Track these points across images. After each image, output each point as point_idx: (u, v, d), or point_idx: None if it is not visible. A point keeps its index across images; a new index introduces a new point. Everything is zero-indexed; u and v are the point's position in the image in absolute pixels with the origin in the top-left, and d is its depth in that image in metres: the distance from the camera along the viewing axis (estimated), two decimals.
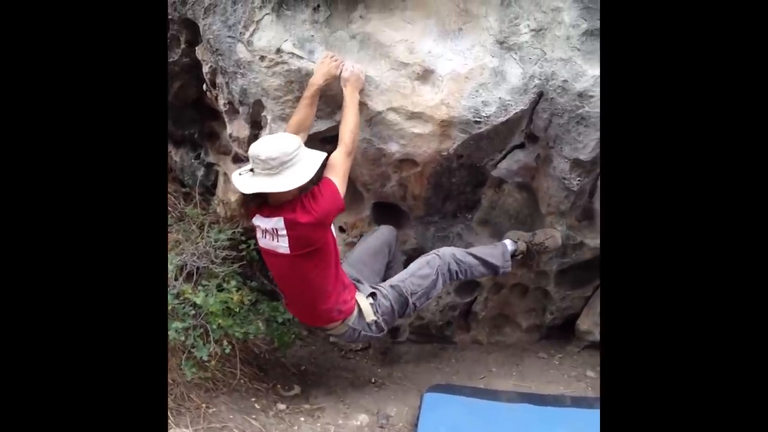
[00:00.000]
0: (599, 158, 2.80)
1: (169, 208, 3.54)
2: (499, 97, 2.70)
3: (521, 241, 3.04)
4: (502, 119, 2.72)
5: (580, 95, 2.65)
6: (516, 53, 2.69)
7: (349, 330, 2.79)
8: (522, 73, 2.69)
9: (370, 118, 2.78)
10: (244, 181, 2.52)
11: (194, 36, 3.16)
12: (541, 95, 2.71)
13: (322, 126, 2.86)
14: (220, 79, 3.06)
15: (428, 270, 2.85)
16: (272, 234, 2.59)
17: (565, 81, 2.65)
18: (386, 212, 3.19)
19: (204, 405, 2.74)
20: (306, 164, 2.51)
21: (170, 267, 2.85)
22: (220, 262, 3.05)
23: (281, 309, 3.13)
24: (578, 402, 2.95)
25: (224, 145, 3.62)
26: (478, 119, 2.72)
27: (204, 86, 3.30)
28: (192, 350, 2.71)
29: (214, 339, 2.76)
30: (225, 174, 3.64)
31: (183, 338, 2.69)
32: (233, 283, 2.96)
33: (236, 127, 3.17)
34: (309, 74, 2.70)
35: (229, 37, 2.82)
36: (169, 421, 2.51)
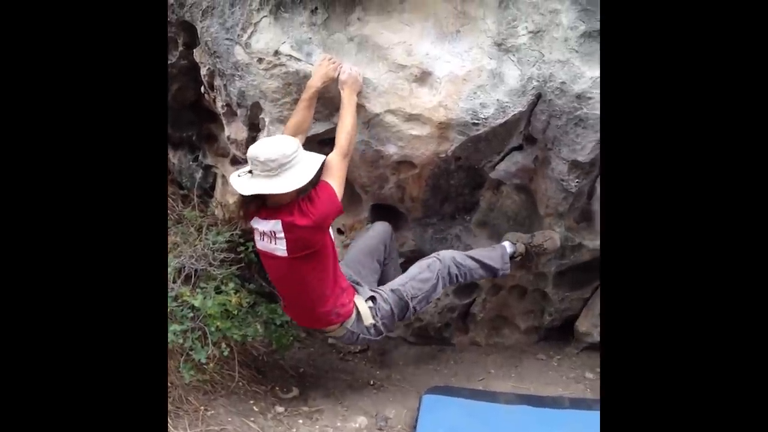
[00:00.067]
0: (598, 160, 2.80)
1: None
2: (497, 99, 2.70)
3: (520, 243, 3.04)
4: (500, 121, 2.73)
5: (578, 97, 2.66)
6: (514, 55, 2.69)
7: (348, 333, 2.79)
8: (520, 75, 2.69)
9: (368, 120, 2.78)
10: (243, 183, 2.53)
11: (192, 38, 3.16)
12: (539, 97, 2.71)
13: (320, 128, 2.86)
14: (218, 82, 3.06)
15: (429, 274, 2.85)
16: (270, 236, 2.59)
17: (563, 83, 2.65)
18: (384, 214, 3.18)
19: (202, 407, 2.73)
20: (304, 166, 2.51)
21: (168, 269, 2.85)
22: (218, 264, 3.04)
23: (279, 311, 3.13)
24: (577, 404, 2.96)
25: (222, 147, 3.62)
26: (476, 121, 2.72)
27: (202, 88, 3.30)
28: (190, 353, 2.70)
29: (212, 341, 2.75)
30: (223, 176, 3.64)
31: (181, 341, 2.69)
32: (231, 285, 2.96)
33: (234, 130, 3.17)
34: (307, 76, 2.70)
35: (226, 39, 2.82)
36: (168, 423, 2.50)
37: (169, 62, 3.32)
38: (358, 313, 2.75)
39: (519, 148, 2.93)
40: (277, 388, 3.11)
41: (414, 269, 2.89)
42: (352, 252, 3.00)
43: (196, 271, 2.99)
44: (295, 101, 2.76)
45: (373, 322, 2.76)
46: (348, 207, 3.17)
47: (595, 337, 3.38)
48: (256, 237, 2.70)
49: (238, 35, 2.78)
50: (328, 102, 2.78)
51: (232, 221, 3.39)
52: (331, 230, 2.69)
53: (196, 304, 2.75)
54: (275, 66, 2.76)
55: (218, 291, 2.93)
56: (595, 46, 2.63)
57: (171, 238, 3.22)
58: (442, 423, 2.80)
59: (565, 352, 3.51)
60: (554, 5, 2.62)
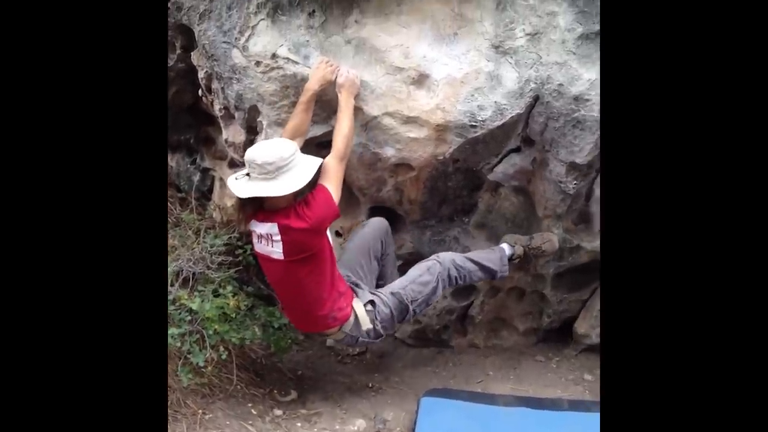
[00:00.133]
0: (595, 161, 2.81)
1: None
2: (495, 101, 2.70)
3: (518, 245, 3.04)
4: (498, 123, 2.73)
5: (576, 99, 2.66)
6: (511, 57, 2.69)
7: (347, 336, 2.79)
8: (517, 77, 2.69)
9: (365, 123, 2.78)
10: (240, 186, 2.53)
11: (189, 41, 3.16)
12: (536, 99, 2.71)
13: (317, 131, 2.86)
14: (215, 85, 3.06)
15: (429, 277, 2.84)
16: (267, 239, 2.59)
17: (561, 85, 2.65)
18: (382, 216, 3.18)
19: (200, 411, 2.73)
20: (302, 169, 2.51)
21: None
22: (216, 267, 3.04)
23: (277, 314, 3.13)
24: (576, 405, 2.96)
25: (220, 150, 3.62)
26: (474, 123, 2.72)
27: (199, 91, 3.30)
28: (188, 356, 2.70)
29: (210, 345, 2.75)
30: (221, 179, 3.64)
31: (179, 344, 2.68)
32: (229, 288, 2.95)
33: (232, 133, 3.17)
34: (304, 79, 2.70)
35: (224, 42, 2.82)
36: (167, 427, 2.50)
37: None
38: (356, 317, 2.74)
39: (517, 150, 2.93)
40: (275, 391, 3.11)
41: (414, 272, 2.89)
42: (349, 252, 2.98)
43: (194, 274, 2.98)
44: (293, 104, 2.76)
45: (370, 326, 2.76)
46: (346, 209, 3.17)
47: (594, 338, 3.38)
48: (254, 240, 2.70)
49: (236, 38, 2.78)
50: (325, 105, 2.78)
51: (230, 224, 3.38)
52: (329, 233, 2.69)
53: (194, 307, 2.74)
54: (273, 69, 2.76)
55: (216, 294, 2.92)
56: (593, 48, 2.63)
57: (169, 242, 3.21)
58: (441, 425, 2.80)
59: (563, 353, 3.51)
60: (551, 7, 2.63)
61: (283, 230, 2.53)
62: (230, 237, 3.21)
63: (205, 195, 3.82)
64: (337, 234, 3.28)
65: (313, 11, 2.73)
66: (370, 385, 3.28)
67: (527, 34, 2.66)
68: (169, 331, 2.63)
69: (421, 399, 2.99)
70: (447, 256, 2.93)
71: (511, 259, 3.03)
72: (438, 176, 2.94)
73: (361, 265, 2.94)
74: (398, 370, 3.43)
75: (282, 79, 2.77)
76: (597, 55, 2.64)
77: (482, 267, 2.95)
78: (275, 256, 2.60)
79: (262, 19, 2.75)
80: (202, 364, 2.71)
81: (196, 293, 2.87)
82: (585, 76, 2.64)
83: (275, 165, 2.45)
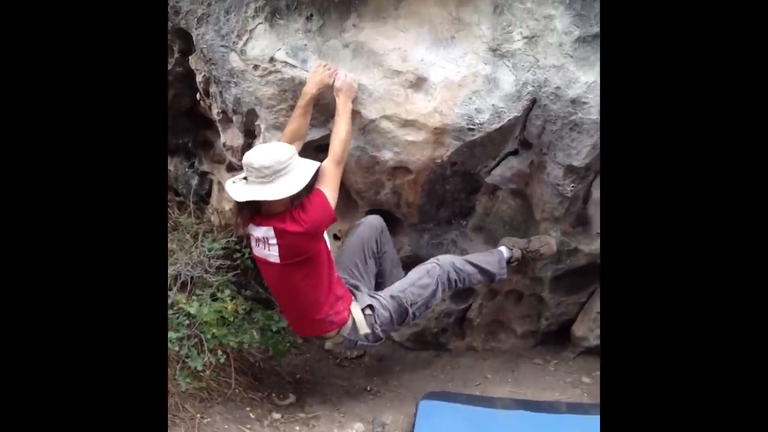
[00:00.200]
0: (593, 164, 2.81)
1: None
2: (493, 105, 2.70)
3: (516, 248, 3.05)
4: (496, 126, 2.73)
5: (573, 102, 2.67)
6: (509, 60, 2.69)
7: (346, 339, 2.79)
8: (515, 80, 2.69)
9: (363, 126, 2.78)
10: (238, 189, 2.54)
11: (187, 45, 3.16)
12: (534, 102, 2.72)
13: (315, 134, 2.86)
14: (213, 89, 3.06)
15: (428, 280, 2.84)
16: (264, 243, 2.60)
17: (558, 88, 2.66)
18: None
19: (199, 415, 2.72)
20: (299, 173, 2.51)
21: None
22: (214, 271, 3.04)
23: (276, 318, 3.13)
24: (574, 408, 2.96)
25: (218, 154, 3.62)
26: (472, 126, 2.72)
27: (197, 95, 3.30)
28: (186, 360, 2.70)
29: (208, 349, 2.75)
30: (219, 183, 3.64)
31: (177, 348, 2.68)
32: (227, 292, 2.95)
33: (230, 136, 3.17)
34: (302, 83, 2.71)
35: (222, 46, 2.82)
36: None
37: None
38: (354, 321, 2.74)
39: (514, 153, 2.94)
40: (273, 395, 3.10)
41: (413, 274, 2.89)
42: (346, 253, 2.97)
43: (192, 278, 2.98)
44: (291, 108, 2.77)
45: (368, 331, 2.76)
46: (344, 213, 3.17)
47: (592, 341, 3.38)
48: (252, 243, 2.71)
49: (234, 42, 2.79)
50: (323, 108, 2.78)
51: (228, 228, 3.38)
52: (327, 237, 2.69)
53: (192, 311, 2.74)
54: (271, 73, 2.76)
55: (214, 298, 2.92)
56: (590, 51, 2.64)
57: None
58: (439, 428, 2.80)
59: (561, 356, 3.51)
60: (549, 11, 2.63)
61: (278, 234, 2.54)
62: (228, 241, 3.20)
63: (204, 199, 3.82)
64: (335, 237, 3.28)
65: (311, 15, 2.74)
66: (369, 388, 3.28)
67: (524, 38, 2.66)
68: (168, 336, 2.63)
69: (419, 402, 2.99)
70: (446, 259, 2.93)
71: (509, 262, 3.03)
72: (436, 179, 2.94)
73: (357, 265, 2.93)
74: (396, 374, 3.43)
75: (280, 82, 2.77)
76: (594, 58, 2.64)
77: (481, 270, 2.95)
78: (272, 260, 2.60)
79: (260, 23, 2.76)
80: (200, 368, 2.70)
81: (194, 297, 2.87)
82: (582, 79, 2.64)
83: (272, 169, 2.46)
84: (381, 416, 3.01)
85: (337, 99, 2.66)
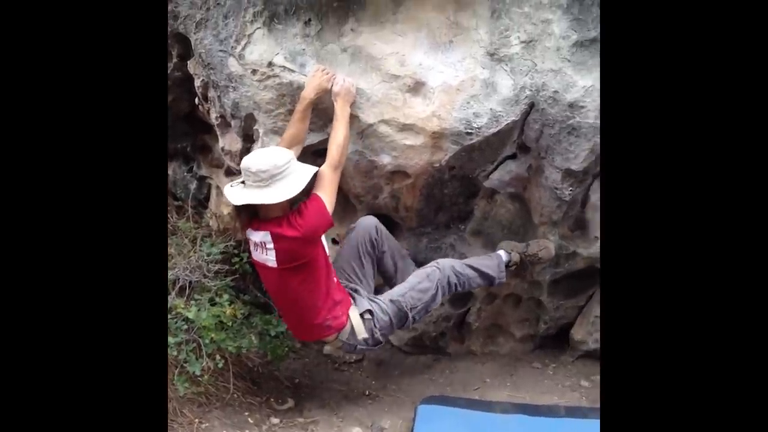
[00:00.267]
0: (591, 168, 2.81)
1: None
2: (491, 109, 2.71)
3: (514, 252, 3.04)
4: (494, 130, 2.73)
5: (571, 106, 2.67)
6: (507, 65, 2.70)
7: (345, 344, 2.79)
8: (513, 85, 2.70)
9: (361, 131, 2.78)
10: (235, 193, 2.55)
11: (186, 50, 3.16)
12: (532, 106, 2.72)
13: (314, 139, 2.86)
14: (212, 93, 3.06)
15: (428, 284, 2.84)
16: (262, 247, 2.60)
17: (556, 92, 2.66)
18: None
19: (197, 420, 2.72)
20: (296, 177, 2.52)
21: None
22: (213, 275, 3.03)
23: (274, 322, 3.12)
24: (572, 412, 2.95)
25: (216, 158, 3.62)
26: (470, 130, 2.73)
27: (196, 100, 3.30)
28: (185, 365, 2.69)
29: (206, 353, 2.74)
30: (217, 187, 3.63)
31: (175, 353, 2.67)
32: (226, 296, 2.94)
33: (228, 141, 3.17)
34: (300, 87, 2.71)
35: (220, 51, 2.83)
36: None
37: None
38: (352, 325, 2.74)
39: (512, 157, 2.94)
40: (272, 400, 3.10)
41: (413, 278, 2.88)
42: (343, 257, 2.97)
43: (190, 282, 2.97)
44: (289, 112, 2.77)
45: (366, 335, 2.75)
46: (342, 217, 3.17)
47: (591, 345, 3.38)
48: (251, 247, 2.71)
49: (232, 47, 2.79)
50: (321, 113, 2.78)
51: (227, 232, 3.38)
52: (325, 241, 2.69)
53: (191, 316, 2.73)
54: (269, 77, 2.76)
55: (212, 303, 2.91)
56: (587, 56, 2.65)
57: None
58: None
59: (560, 360, 3.51)
60: (546, 15, 2.64)
61: (275, 238, 2.54)
62: (227, 245, 3.20)
63: (202, 203, 3.81)
64: (334, 242, 3.28)
65: (309, 20, 2.74)
66: (367, 392, 3.28)
67: (522, 42, 2.67)
68: None
69: (418, 406, 2.98)
70: (446, 263, 2.92)
71: (507, 265, 3.03)
72: (434, 183, 2.95)
73: (355, 269, 2.93)
74: (395, 378, 3.43)
75: (278, 87, 2.77)
76: (592, 62, 2.65)
77: (481, 273, 2.95)
78: (270, 264, 2.61)
79: (258, 28, 2.76)
80: (198, 373, 2.70)
81: (192, 302, 2.86)
82: (580, 83, 2.65)
83: (269, 173, 2.46)
84: (380, 421, 3.00)
85: (335, 103, 2.66)
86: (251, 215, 2.64)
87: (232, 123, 3.01)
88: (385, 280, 3.08)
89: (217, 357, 2.81)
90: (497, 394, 3.22)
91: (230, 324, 2.89)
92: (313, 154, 2.89)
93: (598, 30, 2.60)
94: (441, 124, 2.72)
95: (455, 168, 2.89)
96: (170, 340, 2.65)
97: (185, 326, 2.75)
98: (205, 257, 3.09)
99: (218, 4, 2.81)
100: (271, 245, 2.56)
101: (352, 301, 2.78)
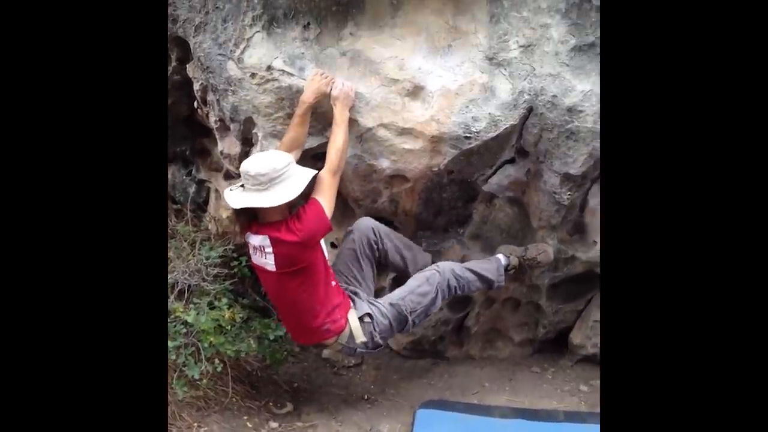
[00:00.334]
0: (589, 172, 2.82)
1: None
2: (489, 113, 2.71)
3: (513, 256, 3.05)
4: (492, 134, 2.74)
5: (570, 110, 2.67)
6: (505, 69, 2.70)
7: (345, 347, 2.79)
8: (511, 89, 2.70)
9: (360, 135, 2.78)
10: (234, 196, 2.55)
11: (185, 54, 3.17)
12: (530, 110, 2.72)
13: (313, 142, 2.86)
14: (211, 97, 3.06)
15: (428, 287, 2.84)
16: (260, 251, 2.60)
17: (555, 96, 2.67)
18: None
19: (196, 424, 2.72)
20: (295, 181, 2.52)
21: None
22: (212, 279, 3.03)
23: (273, 326, 3.12)
24: (571, 417, 2.95)
25: (215, 161, 3.62)
26: (469, 135, 2.73)
27: (195, 103, 3.31)
28: (183, 369, 2.69)
29: (205, 357, 2.74)
30: (216, 191, 3.64)
31: (174, 357, 2.68)
32: (225, 300, 2.95)
33: (227, 144, 3.17)
34: (299, 91, 2.71)
35: (219, 54, 2.83)
36: None
37: None
38: (351, 329, 2.74)
39: (511, 161, 2.94)
40: (270, 404, 3.09)
41: (413, 282, 2.88)
42: (341, 260, 2.96)
43: (189, 286, 2.98)
44: (288, 116, 2.77)
45: (364, 340, 2.75)
46: (341, 221, 3.17)
47: (590, 349, 3.38)
48: (250, 251, 2.71)
49: (231, 50, 2.79)
50: (320, 117, 2.79)
51: (226, 236, 3.38)
52: (324, 245, 2.69)
53: (189, 319, 2.74)
54: (268, 81, 2.77)
55: (211, 306, 2.91)
56: (586, 60, 2.65)
57: None
58: None
59: (559, 364, 3.51)
60: (545, 20, 2.65)
61: (274, 243, 2.54)
62: (225, 249, 3.21)
63: (201, 207, 3.82)
64: (333, 245, 3.28)
65: (308, 24, 2.75)
66: (366, 397, 3.27)
67: (521, 46, 2.67)
68: None
69: (416, 411, 2.98)
70: (446, 266, 2.92)
71: (506, 269, 3.03)
72: (433, 187, 2.95)
73: (354, 272, 2.93)
74: (394, 382, 3.42)
75: (277, 91, 2.78)
76: (590, 66, 2.65)
77: (480, 277, 2.95)
78: (269, 268, 2.61)
79: (258, 32, 2.76)
80: (197, 376, 2.70)
81: (191, 305, 2.86)
82: (578, 88, 2.65)
83: (268, 176, 2.47)
84: (378, 425, 2.99)
85: (334, 107, 2.66)
86: (250, 219, 2.65)
87: (231, 126, 3.01)
88: (398, 274, 3.08)
89: (216, 361, 2.81)
90: (496, 398, 3.22)
91: (229, 328, 2.89)
92: (313, 158, 2.90)
93: (597, 34, 2.61)
94: (440, 129, 2.72)
95: (454, 172, 2.89)
96: (169, 343, 2.65)
97: (184, 330, 2.76)
98: (204, 261, 3.09)
99: (217, 7, 2.82)
100: (269, 249, 2.56)
101: (351, 305, 2.78)
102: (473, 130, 2.72)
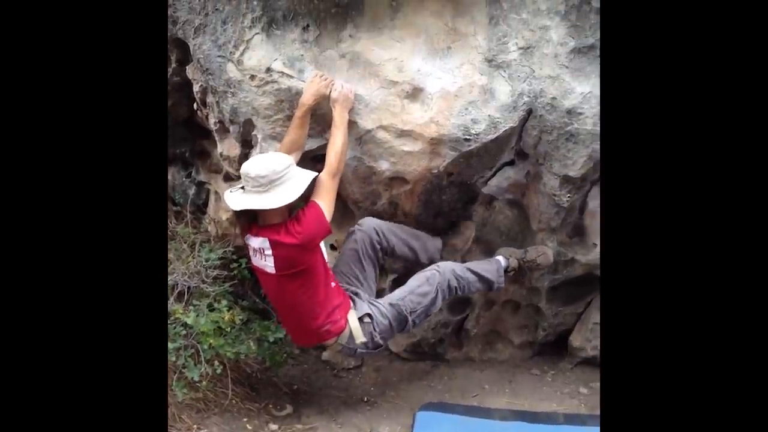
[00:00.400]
0: (589, 174, 2.82)
1: None
2: (489, 115, 2.71)
3: (513, 258, 3.04)
4: (492, 137, 2.74)
5: (569, 112, 2.67)
6: (505, 71, 2.71)
7: (345, 347, 2.79)
8: (511, 91, 2.70)
9: (360, 137, 2.78)
10: (234, 198, 2.56)
11: (185, 55, 3.17)
12: (530, 112, 2.73)
13: (312, 144, 2.86)
14: (210, 99, 3.06)
15: (428, 287, 2.84)
16: (260, 253, 2.61)
17: (554, 98, 2.67)
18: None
19: (195, 426, 2.71)
20: (295, 183, 2.52)
21: None
22: (211, 281, 3.03)
23: (273, 328, 3.12)
24: (571, 419, 2.95)
25: (215, 163, 3.62)
26: (468, 137, 2.73)
27: (195, 105, 3.31)
28: (183, 371, 2.69)
29: (205, 359, 2.74)
30: (216, 192, 3.63)
31: (174, 359, 2.68)
32: (224, 302, 2.95)
33: (227, 146, 3.17)
34: (299, 93, 2.71)
35: (219, 56, 2.83)
36: None
37: None
38: (351, 329, 2.74)
39: (511, 163, 2.94)
40: (270, 406, 3.09)
41: (413, 282, 2.88)
42: (343, 261, 2.96)
43: (189, 288, 2.98)
44: (288, 118, 2.77)
45: (364, 340, 2.75)
46: (341, 223, 3.17)
47: (589, 351, 3.37)
48: (250, 253, 2.72)
49: (231, 52, 2.79)
50: (320, 119, 2.79)
51: (225, 238, 3.38)
52: (324, 247, 2.69)
53: (189, 321, 2.74)
54: (267, 83, 2.77)
55: (211, 308, 2.92)
56: (585, 62, 2.65)
57: None
58: None
59: (559, 367, 3.50)
60: (544, 22, 2.65)
61: (274, 245, 2.55)
62: (225, 251, 3.21)
63: (200, 208, 3.81)
64: (332, 247, 3.28)
65: (308, 26, 2.75)
66: (366, 399, 3.27)
67: (520, 48, 2.67)
68: None
69: (416, 413, 2.97)
70: (447, 266, 2.92)
71: (506, 271, 3.03)
72: (432, 189, 2.95)
73: (355, 273, 2.93)
74: (394, 384, 3.42)
75: (277, 93, 2.78)
76: (590, 68, 2.66)
77: (480, 277, 2.95)
78: (268, 270, 2.62)
79: (257, 34, 2.77)
80: (197, 378, 2.70)
81: (191, 307, 2.87)
82: (578, 90, 2.65)
83: (267, 178, 2.47)
84: (378, 427, 2.99)
85: (333, 110, 2.66)
86: (250, 221, 2.65)
87: (231, 128, 3.01)
88: (410, 265, 3.08)
89: (216, 363, 2.81)
90: (496, 400, 3.21)
91: (229, 330, 2.89)
92: (312, 160, 2.90)
93: (596, 37, 2.61)
94: (439, 131, 2.72)
95: (453, 174, 2.89)
96: (169, 345, 2.65)
97: (184, 332, 2.76)
98: (204, 263, 3.09)
99: (217, 9, 2.82)
100: (269, 251, 2.56)
101: (351, 305, 2.78)
102: (473, 132, 2.72)
